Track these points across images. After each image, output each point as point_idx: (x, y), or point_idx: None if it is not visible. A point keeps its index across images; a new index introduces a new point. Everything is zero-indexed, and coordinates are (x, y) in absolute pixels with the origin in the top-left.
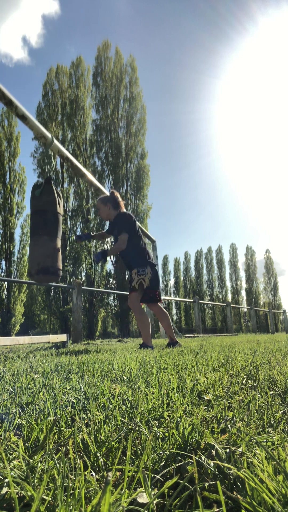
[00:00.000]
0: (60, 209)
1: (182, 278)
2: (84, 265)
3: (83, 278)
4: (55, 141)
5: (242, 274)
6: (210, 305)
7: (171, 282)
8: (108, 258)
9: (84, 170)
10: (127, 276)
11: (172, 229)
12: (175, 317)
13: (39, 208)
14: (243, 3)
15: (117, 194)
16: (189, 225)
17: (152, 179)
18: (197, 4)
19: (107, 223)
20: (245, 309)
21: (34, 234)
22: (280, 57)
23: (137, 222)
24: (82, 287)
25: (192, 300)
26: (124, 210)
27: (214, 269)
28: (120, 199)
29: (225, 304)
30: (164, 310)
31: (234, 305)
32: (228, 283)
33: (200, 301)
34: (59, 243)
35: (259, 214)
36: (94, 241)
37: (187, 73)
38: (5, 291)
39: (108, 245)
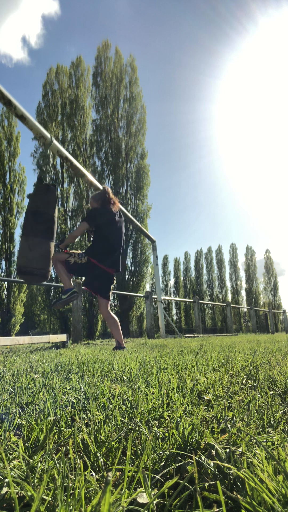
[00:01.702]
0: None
1: (182, 278)
2: None
3: (83, 278)
4: (54, 141)
5: (242, 274)
6: (210, 305)
7: (171, 282)
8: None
9: (84, 170)
10: (127, 276)
11: (172, 229)
12: (175, 317)
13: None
14: (243, 3)
15: (108, 190)
16: (189, 225)
17: (152, 179)
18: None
19: None
20: (245, 309)
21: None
22: (280, 57)
23: (122, 224)
24: (82, 287)
25: (192, 300)
26: (117, 206)
27: (214, 269)
28: (110, 195)
29: (225, 304)
30: (112, 314)
31: (234, 305)
32: (228, 283)
33: (200, 301)
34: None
35: (259, 214)
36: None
37: (187, 73)
38: (5, 291)
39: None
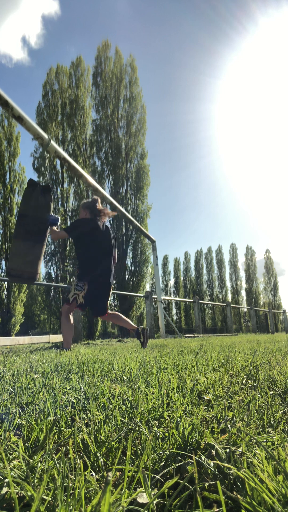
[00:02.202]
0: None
1: (182, 278)
2: None
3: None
4: (52, 142)
5: (242, 274)
6: (210, 305)
7: (171, 282)
8: None
9: (82, 170)
10: (127, 276)
11: (172, 229)
12: (175, 317)
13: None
14: (243, 3)
15: (98, 201)
16: (189, 225)
17: (152, 179)
18: (197, 4)
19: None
20: (245, 309)
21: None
22: (280, 57)
23: (110, 229)
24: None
25: (192, 300)
26: (105, 219)
27: (214, 269)
28: (100, 207)
29: (225, 304)
30: (112, 312)
31: (234, 305)
32: (228, 283)
33: (200, 301)
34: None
35: (259, 214)
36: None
37: (187, 73)
38: (5, 291)
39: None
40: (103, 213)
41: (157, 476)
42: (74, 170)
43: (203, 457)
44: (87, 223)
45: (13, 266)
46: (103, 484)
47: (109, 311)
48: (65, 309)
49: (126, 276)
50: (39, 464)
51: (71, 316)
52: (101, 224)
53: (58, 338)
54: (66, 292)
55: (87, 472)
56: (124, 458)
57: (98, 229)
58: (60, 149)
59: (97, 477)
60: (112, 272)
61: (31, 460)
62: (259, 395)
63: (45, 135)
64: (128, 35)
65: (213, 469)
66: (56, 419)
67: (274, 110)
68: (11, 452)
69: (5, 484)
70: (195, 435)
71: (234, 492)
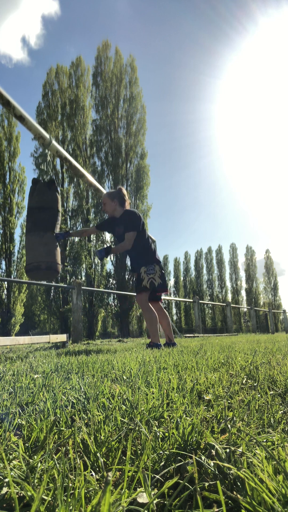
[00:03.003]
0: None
1: (182, 278)
2: (84, 265)
3: (83, 278)
4: (53, 142)
5: (242, 274)
6: (210, 305)
7: (171, 282)
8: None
9: (83, 170)
10: (127, 276)
11: (172, 229)
12: (175, 317)
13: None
14: (243, 3)
15: (124, 191)
16: (189, 225)
17: (152, 179)
18: (197, 4)
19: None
20: (245, 309)
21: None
22: (280, 57)
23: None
24: (82, 287)
25: (192, 300)
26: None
27: (214, 269)
28: (126, 197)
29: (225, 304)
30: (164, 310)
31: (234, 305)
32: (228, 283)
33: (200, 301)
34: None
35: (259, 214)
36: (94, 240)
37: (187, 73)
38: (5, 291)
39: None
40: (128, 203)
41: (157, 476)
42: (75, 170)
43: (203, 457)
44: (138, 216)
45: (29, 260)
46: (103, 484)
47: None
48: (143, 297)
49: (126, 276)
50: (39, 464)
51: (151, 307)
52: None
53: (58, 338)
54: (137, 281)
55: (87, 472)
56: (124, 458)
57: (143, 220)
58: (61, 149)
59: (97, 477)
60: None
61: (31, 460)
62: (259, 395)
63: (47, 135)
64: (128, 35)
65: (213, 469)
66: (56, 419)
67: (274, 110)
68: (11, 452)
69: (5, 484)
70: (195, 435)
71: (234, 492)
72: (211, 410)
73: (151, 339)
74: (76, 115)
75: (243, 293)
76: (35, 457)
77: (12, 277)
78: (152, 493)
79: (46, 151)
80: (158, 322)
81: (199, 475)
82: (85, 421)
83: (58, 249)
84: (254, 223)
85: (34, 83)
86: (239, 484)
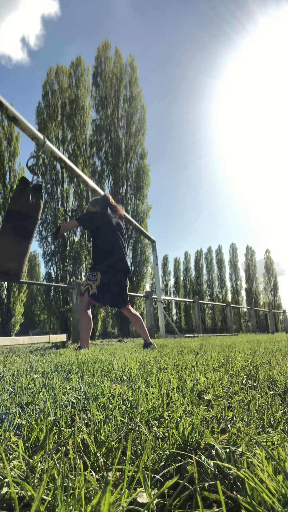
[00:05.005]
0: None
1: (182, 278)
2: (84, 265)
3: (83, 278)
4: (48, 142)
5: (242, 274)
6: (210, 305)
7: (171, 282)
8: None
9: (79, 170)
10: None
11: (172, 229)
12: (175, 317)
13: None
14: (243, 3)
15: (109, 197)
16: (189, 225)
17: (152, 179)
18: (197, 4)
19: None
20: (245, 309)
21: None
22: (280, 57)
23: (121, 224)
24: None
25: (192, 300)
26: (119, 212)
27: (214, 269)
28: (113, 203)
29: (225, 304)
30: (136, 314)
31: (234, 305)
32: (228, 283)
33: (200, 301)
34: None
35: (259, 214)
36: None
37: (187, 73)
38: (5, 291)
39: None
40: (116, 209)
41: (157, 476)
42: (71, 170)
43: (203, 457)
44: (100, 217)
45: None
46: (103, 484)
47: (132, 310)
48: (80, 304)
49: None
50: (39, 464)
51: (88, 311)
52: (113, 219)
53: (58, 338)
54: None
55: (87, 472)
56: (124, 458)
57: (110, 223)
58: (56, 149)
59: (97, 477)
60: (125, 263)
61: (31, 460)
62: (259, 395)
63: (40, 135)
64: (128, 35)
65: (213, 469)
66: (56, 419)
67: (274, 110)
68: (11, 452)
69: (5, 484)
70: (195, 435)
71: (234, 492)
72: (211, 410)
73: (81, 344)
74: (76, 115)
75: (243, 293)
76: (35, 457)
77: None
78: (152, 493)
79: (40, 152)
80: (90, 328)
81: (199, 475)
82: (85, 421)
83: (27, 257)
84: (254, 223)
85: (34, 83)
86: (239, 484)
